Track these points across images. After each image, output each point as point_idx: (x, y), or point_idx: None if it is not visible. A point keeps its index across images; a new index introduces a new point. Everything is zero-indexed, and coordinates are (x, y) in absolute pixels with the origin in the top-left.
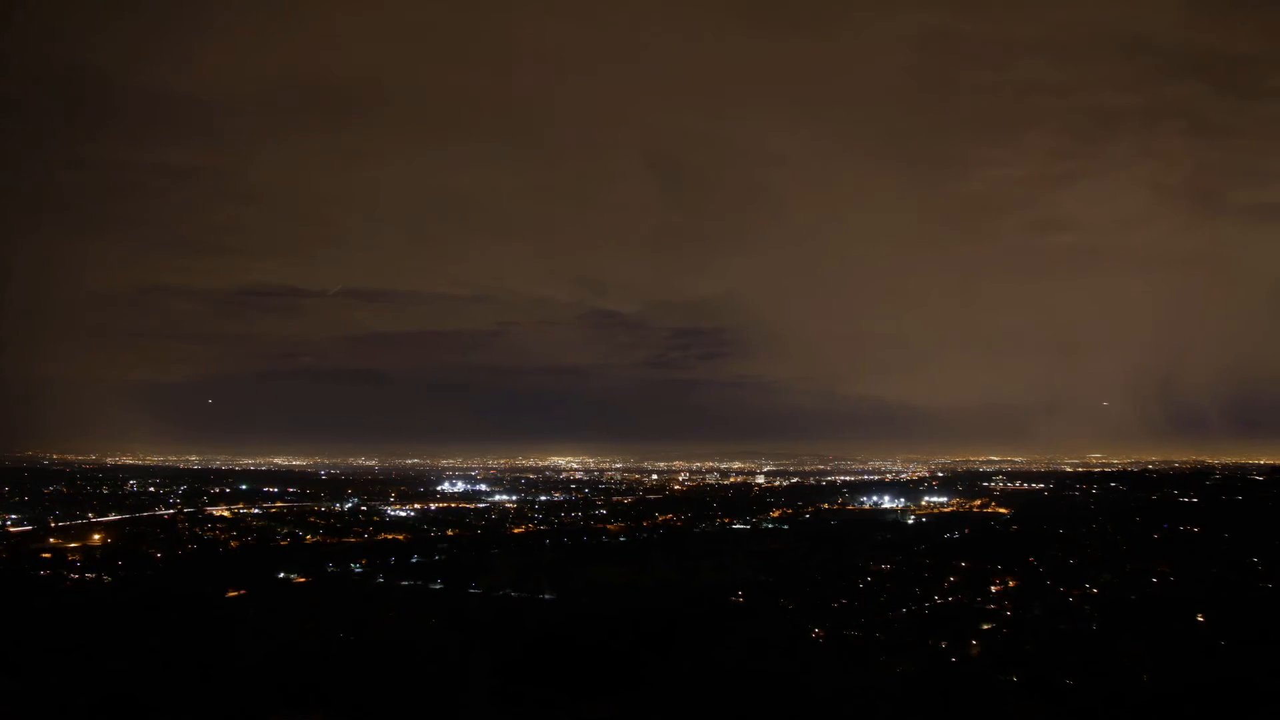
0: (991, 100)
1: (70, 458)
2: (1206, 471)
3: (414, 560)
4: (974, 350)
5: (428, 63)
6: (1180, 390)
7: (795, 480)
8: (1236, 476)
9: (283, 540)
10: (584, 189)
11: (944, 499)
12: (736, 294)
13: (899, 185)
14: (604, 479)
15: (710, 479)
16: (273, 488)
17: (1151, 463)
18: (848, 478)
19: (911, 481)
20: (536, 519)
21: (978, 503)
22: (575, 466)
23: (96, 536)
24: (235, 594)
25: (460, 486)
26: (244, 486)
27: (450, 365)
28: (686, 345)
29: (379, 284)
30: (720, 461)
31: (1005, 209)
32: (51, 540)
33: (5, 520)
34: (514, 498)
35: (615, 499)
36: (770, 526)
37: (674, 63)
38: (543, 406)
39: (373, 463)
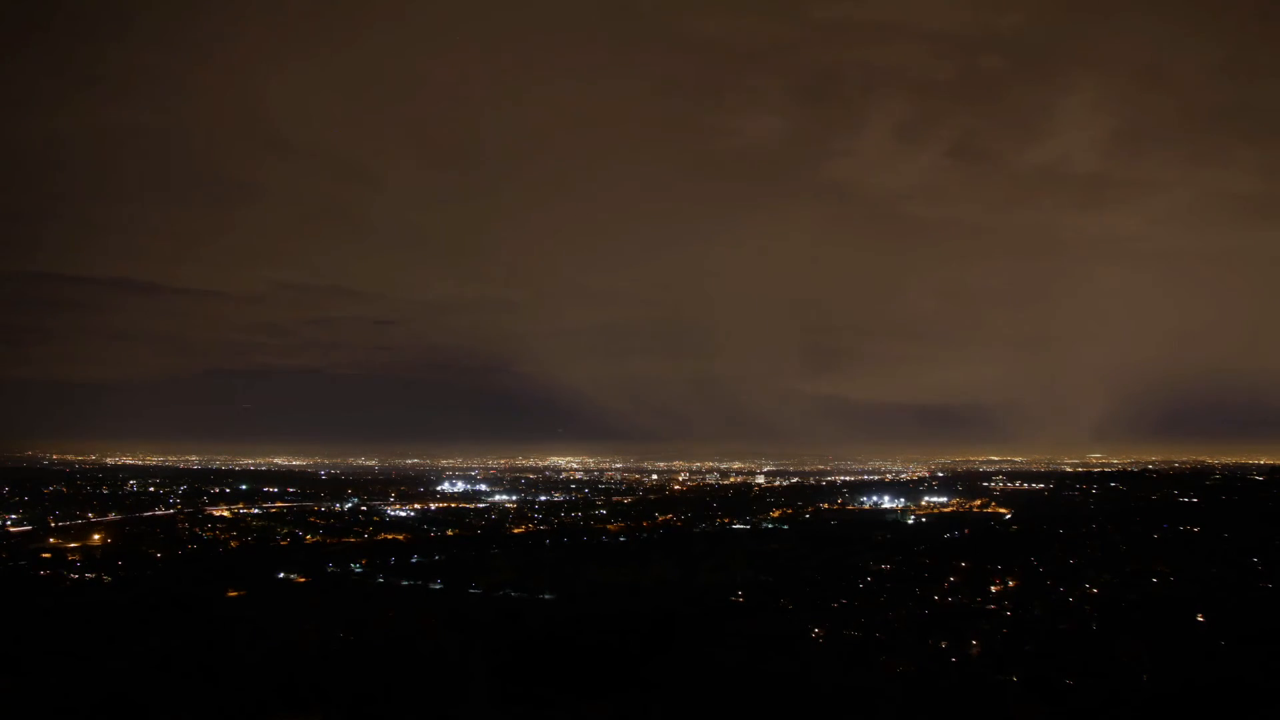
0: None
1: (70, 458)
2: (1206, 471)
3: (414, 560)
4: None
5: None
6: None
7: (795, 480)
8: (1236, 476)
9: (283, 540)
10: None
11: (944, 499)
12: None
13: None
14: (604, 479)
15: (710, 479)
16: (273, 488)
17: (1151, 463)
18: (848, 478)
19: (911, 481)
20: (536, 519)
21: (978, 503)
22: (575, 466)
23: (96, 536)
24: (235, 594)
25: (460, 486)
26: (244, 486)
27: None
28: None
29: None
30: (720, 461)
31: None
32: (51, 540)
33: (5, 520)
34: (514, 498)
35: (615, 499)
36: (770, 526)
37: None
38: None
39: (373, 463)
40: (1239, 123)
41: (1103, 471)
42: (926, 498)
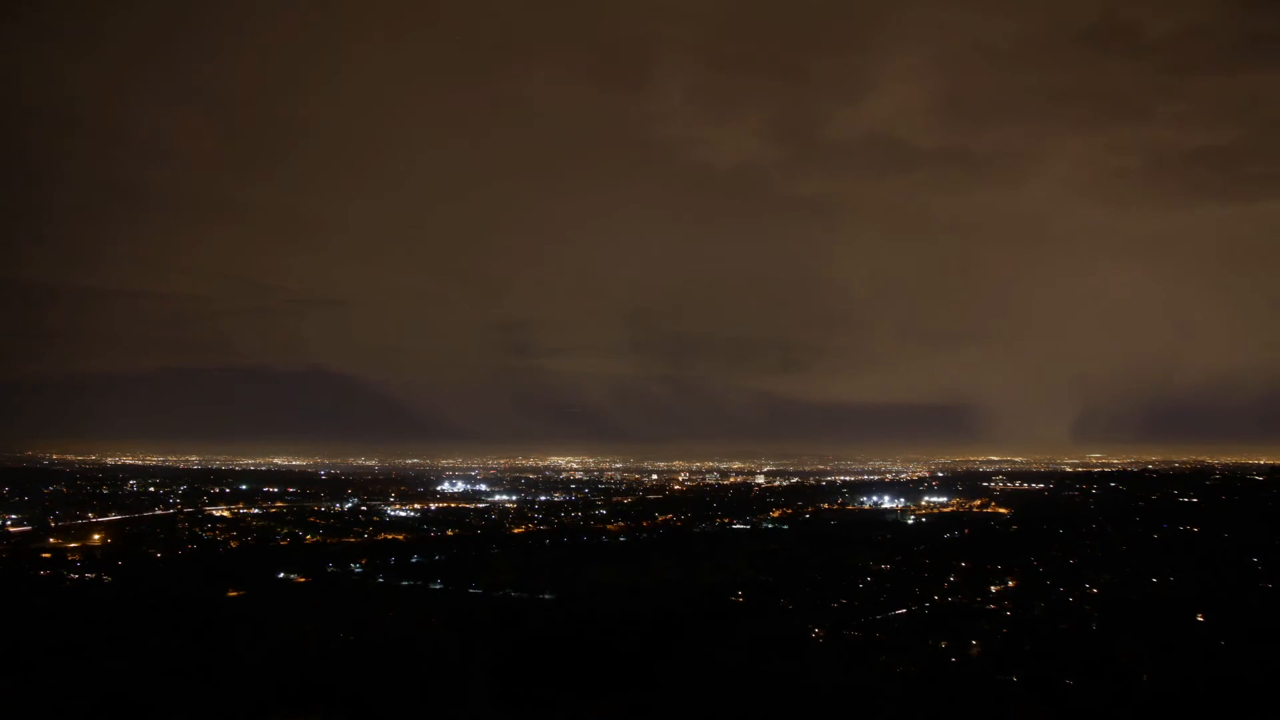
0: None
1: (70, 458)
2: (1206, 471)
3: (414, 560)
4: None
5: None
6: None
7: (795, 480)
8: (1236, 476)
9: (283, 540)
10: None
11: (944, 499)
12: None
13: None
14: (604, 479)
15: (710, 479)
16: (273, 488)
17: (1151, 463)
18: (848, 478)
19: (911, 481)
20: (536, 519)
21: (978, 503)
22: (575, 466)
23: (96, 536)
24: (235, 594)
25: (460, 486)
26: (244, 486)
27: None
28: None
29: None
30: (720, 461)
31: None
32: (51, 540)
33: (5, 520)
34: (514, 498)
35: (615, 499)
36: (770, 526)
37: None
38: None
39: (373, 463)
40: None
41: (1103, 471)
42: (926, 498)
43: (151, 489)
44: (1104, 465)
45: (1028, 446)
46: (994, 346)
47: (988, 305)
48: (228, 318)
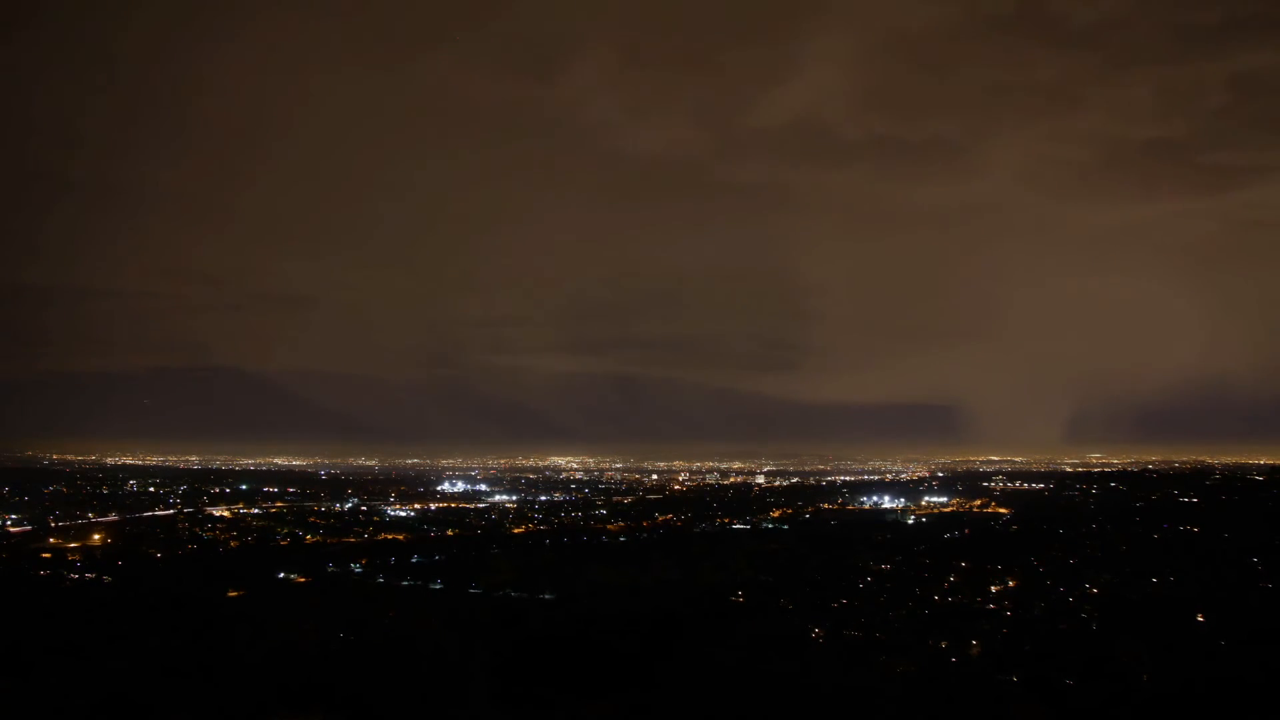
0: None
1: (70, 458)
2: (1206, 471)
3: (414, 560)
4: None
5: None
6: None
7: (795, 480)
8: (1236, 476)
9: (283, 540)
10: None
11: (944, 499)
12: None
13: None
14: (604, 479)
15: (710, 479)
16: (273, 488)
17: (1151, 463)
18: (848, 478)
19: (911, 481)
20: (536, 519)
21: (978, 503)
22: (575, 466)
23: (96, 536)
24: (235, 594)
25: (460, 486)
26: (244, 486)
27: None
28: None
29: None
30: (720, 461)
31: None
32: (51, 540)
33: (5, 520)
34: (514, 498)
35: (615, 499)
36: (770, 526)
37: None
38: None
39: (373, 463)
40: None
41: (1103, 471)
42: (926, 498)
43: (151, 489)
44: (1104, 465)
45: (1022, 446)
46: (972, 346)
47: (955, 301)
48: (228, 318)
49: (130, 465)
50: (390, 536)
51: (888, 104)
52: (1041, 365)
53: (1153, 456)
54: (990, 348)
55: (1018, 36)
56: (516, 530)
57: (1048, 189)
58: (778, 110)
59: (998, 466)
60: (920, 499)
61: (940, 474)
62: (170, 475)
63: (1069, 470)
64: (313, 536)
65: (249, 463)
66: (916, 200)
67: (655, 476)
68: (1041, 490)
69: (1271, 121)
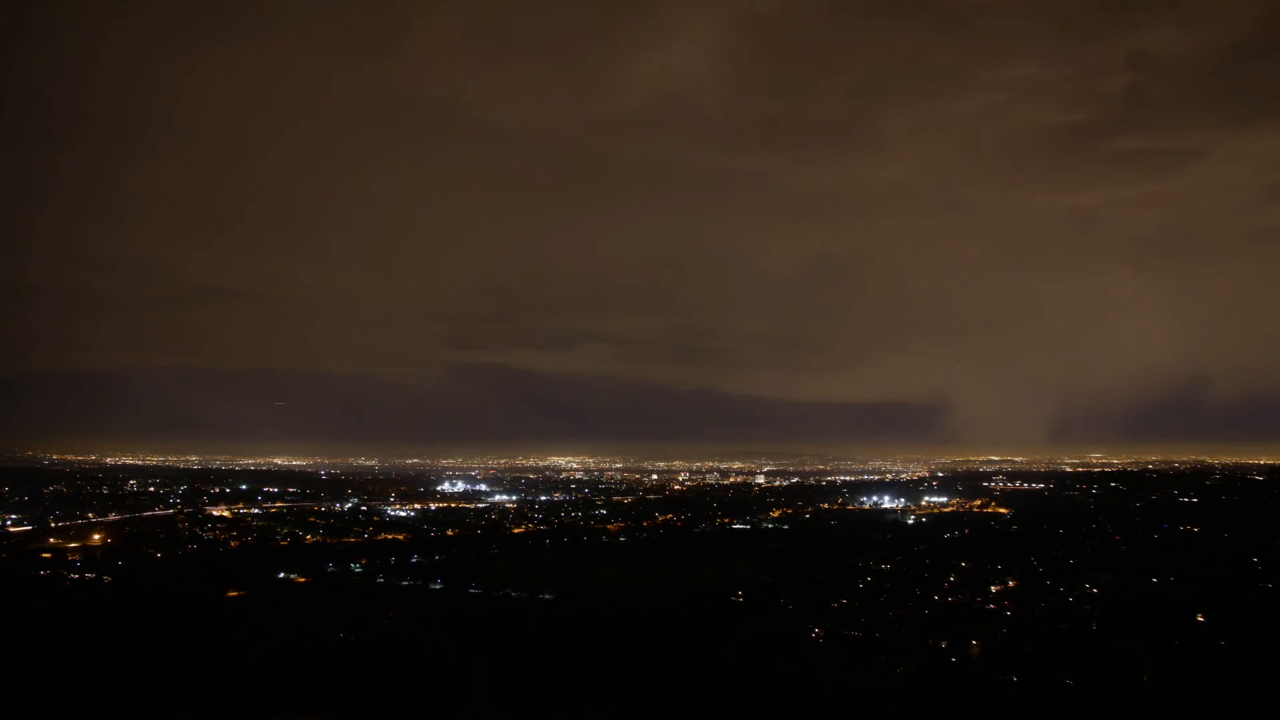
0: None
1: (70, 458)
2: (1206, 471)
3: (414, 560)
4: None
5: None
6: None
7: (795, 480)
8: (1236, 476)
9: (283, 540)
10: None
11: (944, 499)
12: None
13: None
14: (604, 479)
15: (710, 479)
16: (273, 488)
17: (1151, 463)
18: (848, 478)
19: (911, 481)
20: (536, 519)
21: (978, 503)
22: (575, 466)
23: (96, 536)
24: (235, 594)
25: (460, 486)
26: (244, 486)
27: None
28: None
29: None
30: (720, 461)
31: None
32: (51, 540)
33: (5, 520)
34: (514, 498)
35: (615, 499)
36: (770, 526)
37: None
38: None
39: (373, 463)
40: None
41: (1103, 471)
42: (926, 498)
43: (151, 489)
44: (1104, 465)
45: (1023, 446)
46: (933, 343)
47: (909, 298)
48: (232, 316)
49: (130, 465)
50: (390, 536)
51: (757, 83)
52: (1012, 362)
53: (1153, 456)
54: (969, 347)
55: (881, 17)
56: (516, 530)
57: (963, 172)
58: (644, 91)
59: (998, 466)
60: (920, 499)
61: (940, 474)
62: (170, 475)
63: (1069, 470)
64: (313, 536)
65: (249, 463)
66: (820, 181)
67: (655, 476)
68: (1041, 490)
69: (1178, 102)
